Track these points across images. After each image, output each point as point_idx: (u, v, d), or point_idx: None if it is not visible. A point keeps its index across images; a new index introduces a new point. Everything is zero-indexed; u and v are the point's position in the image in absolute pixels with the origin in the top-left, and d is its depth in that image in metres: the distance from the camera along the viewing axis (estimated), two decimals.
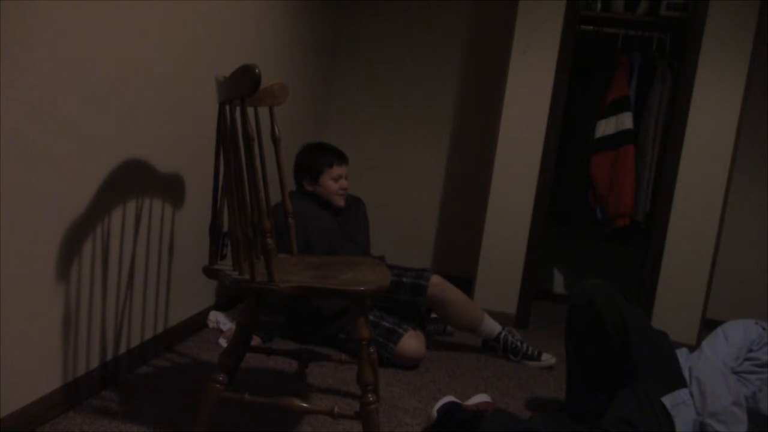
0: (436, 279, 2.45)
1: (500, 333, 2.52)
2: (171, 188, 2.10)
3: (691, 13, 2.87)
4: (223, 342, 2.32)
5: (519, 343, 2.51)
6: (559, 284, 3.70)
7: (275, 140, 1.77)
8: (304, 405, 1.52)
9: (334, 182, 2.49)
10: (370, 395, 1.49)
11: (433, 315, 2.74)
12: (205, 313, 2.48)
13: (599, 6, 3.09)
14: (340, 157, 2.52)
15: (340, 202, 2.53)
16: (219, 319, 2.48)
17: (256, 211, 1.43)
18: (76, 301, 1.66)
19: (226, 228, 2.31)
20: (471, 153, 3.64)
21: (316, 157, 2.50)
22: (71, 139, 1.56)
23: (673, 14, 2.94)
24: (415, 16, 3.65)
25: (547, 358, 2.50)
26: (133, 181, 1.86)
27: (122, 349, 1.93)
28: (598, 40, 3.20)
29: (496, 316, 2.93)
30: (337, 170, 2.49)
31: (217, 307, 2.58)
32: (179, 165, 2.12)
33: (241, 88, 1.35)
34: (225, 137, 1.48)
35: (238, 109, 1.40)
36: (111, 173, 1.74)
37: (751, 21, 2.75)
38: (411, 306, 2.46)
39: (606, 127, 3.08)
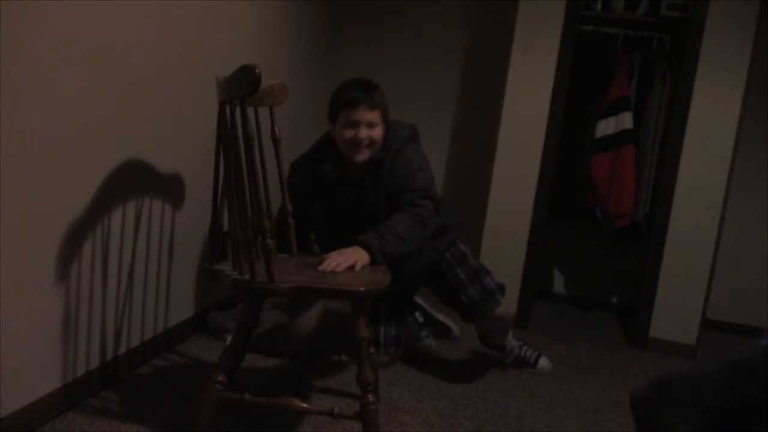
0: (500, 312, 2.18)
1: (512, 346, 2.39)
2: (171, 188, 2.10)
3: (691, 13, 2.87)
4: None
5: (518, 349, 2.42)
6: (559, 284, 3.70)
7: (275, 140, 1.77)
8: (304, 405, 1.52)
9: (348, 130, 1.94)
10: (370, 395, 1.50)
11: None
12: (205, 313, 2.48)
13: (599, 6, 3.09)
14: (357, 99, 1.92)
15: (356, 156, 1.96)
16: (219, 320, 2.48)
17: (256, 211, 1.43)
18: (76, 301, 1.66)
19: (226, 228, 2.31)
20: (471, 153, 3.64)
21: (336, 95, 1.99)
22: (71, 139, 1.56)
23: (673, 14, 2.93)
24: (415, 16, 3.65)
25: (545, 364, 2.42)
26: (133, 181, 1.86)
27: (122, 349, 1.93)
28: (598, 40, 3.19)
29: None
30: (354, 114, 1.92)
31: (217, 307, 2.58)
32: (179, 165, 2.12)
33: (241, 88, 1.35)
34: (225, 137, 1.48)
35: (238, 109, 1.40)
36: (111, 173, 1.74)
37: (751, 21, 2.75)
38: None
39: (606, 127, 3.08)
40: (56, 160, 1.52)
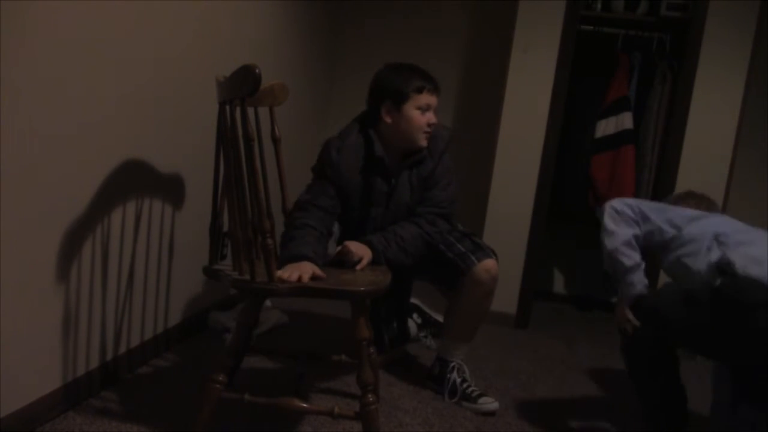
0: (488, 265, 1.95)
1: (452, 365, 2.07)
2: (171, 188, 2.10)
3: (691, 13, 2.88)
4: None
5: (459, 382, 2.04)
6: (559, 284, 3.70)
7: (275, 140, 1.77)
8: (304, 405, 1.52)
9: (420, 114, 1.93)
10: (370, 395, 1.50)
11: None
12: (205, 313, 2.48)
13: (599, 6, 3.09)
14: (432, 83, 1.96)
15: (423, 141, 1.96)
16: (219, 320, 2.48)
17: (256, 211, 1.43)
18: (76, 301, 1.66)
19: (226, 228, 2.30)
20: (471, 153, 3.64)
21: (403, 78, 1.96)
22: (71, 139, 1.56)
23: (673, 14, 2.94)
24: (415, 16, 3.65)
25: (487, 402, 2.00)
26: (133, 181, 1.86)
27: (122, 349, 1.93)
28: (598, 40, 3.20)
29: (496, 316, 2.94)
30: (427, 98, 1.94)
31: (217, 307, 2.58)
32: (179, 165, 2.12)
33: (242, 88, 1.36)
34: (225, 137, 1.48)
35: (238, 109, 1.40)
36: (111, 173, 1.74)
37: (751, 21, 2.75)
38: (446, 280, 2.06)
39: (606, 127, 3.08)
40: (56, 160, 1.52)
